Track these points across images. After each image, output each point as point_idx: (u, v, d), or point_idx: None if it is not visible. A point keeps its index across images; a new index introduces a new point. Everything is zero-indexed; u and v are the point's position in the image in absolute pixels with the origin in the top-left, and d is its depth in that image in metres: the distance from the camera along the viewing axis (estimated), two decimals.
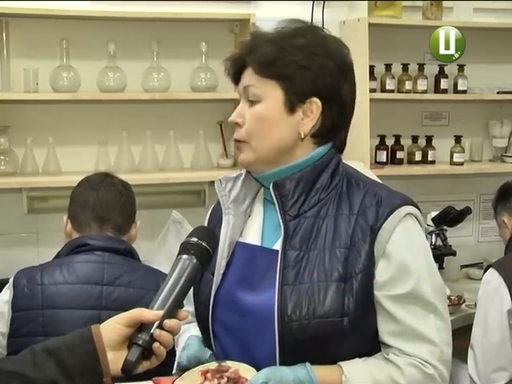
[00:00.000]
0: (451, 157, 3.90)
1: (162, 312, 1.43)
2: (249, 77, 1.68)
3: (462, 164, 3.90)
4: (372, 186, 1.69)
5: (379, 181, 1.83)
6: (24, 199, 3.35)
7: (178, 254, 1.52)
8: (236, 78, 1.73)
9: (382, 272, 1.60)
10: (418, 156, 3.84)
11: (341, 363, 1.59)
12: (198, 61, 3.45)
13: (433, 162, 3.87)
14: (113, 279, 2.29)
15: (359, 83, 1.77)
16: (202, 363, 1.67)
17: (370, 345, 1.63)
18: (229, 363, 1.61)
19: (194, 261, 1.50)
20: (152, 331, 1.41)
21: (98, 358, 1.38)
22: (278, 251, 1.64)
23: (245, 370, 1.58)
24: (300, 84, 1.65)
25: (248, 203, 1.77)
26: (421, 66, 3.78)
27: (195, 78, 3.45)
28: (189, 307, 1.78)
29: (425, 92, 3.76)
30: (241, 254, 1.72)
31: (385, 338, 1.62)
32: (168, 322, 1.43)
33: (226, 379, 1.57)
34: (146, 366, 1.43)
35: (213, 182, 3.90)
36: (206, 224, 1.87)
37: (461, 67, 3.84)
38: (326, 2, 3.65)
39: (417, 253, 1.63)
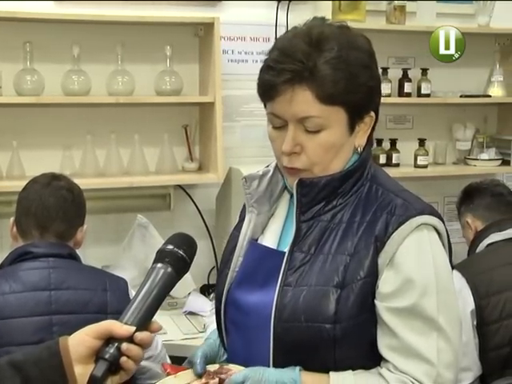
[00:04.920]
0: (415, 160, 3.92)
1: (133, 328, 1.35)
2: (306, 105, 1.54)
3: (425, 167, 3.93)
4: (390, 194, 1.61)
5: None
6: None
7: (153, 263, 1.45)
8: (269, 96, 1.58)
9: (386, 283, 1.53)
10: (382, 159, 3.85)
11: (331, 373, 1.54)
12: (163, 64, 3.44)
13: (397, 165, 3.88)
14: (60, 283, 2.27)
15: None
16: (213, 362, 1.65)
17: (366, 358, 1.56)
18: (231, 366, 1.57)
19: (169, 270, 1.43)
20: (120, 345, 1.34)
21: (64, 373, 1.33)
22: (285, 253, 1.61)
23: None
24: (365, 104, 1.59)
25: (273, 201, 1.72)
26: (384, 70, 3.79)
27: (160, 82, 3.44)
28: None
29: (389, 95, 3.77)
30: (250, 254, 1.69)
31: (382, 350, 1.54)
32: (139, 335, 1.36)
33: (216, 380, 1.54)
34: (115, 380, 1.36)
35: (178, 186, 3.91)
36: (237, 218, 1.81)
37: (424, 71, 3.87)
38: (290, 5, 3.67)
39: (425, 266, 1.54)
